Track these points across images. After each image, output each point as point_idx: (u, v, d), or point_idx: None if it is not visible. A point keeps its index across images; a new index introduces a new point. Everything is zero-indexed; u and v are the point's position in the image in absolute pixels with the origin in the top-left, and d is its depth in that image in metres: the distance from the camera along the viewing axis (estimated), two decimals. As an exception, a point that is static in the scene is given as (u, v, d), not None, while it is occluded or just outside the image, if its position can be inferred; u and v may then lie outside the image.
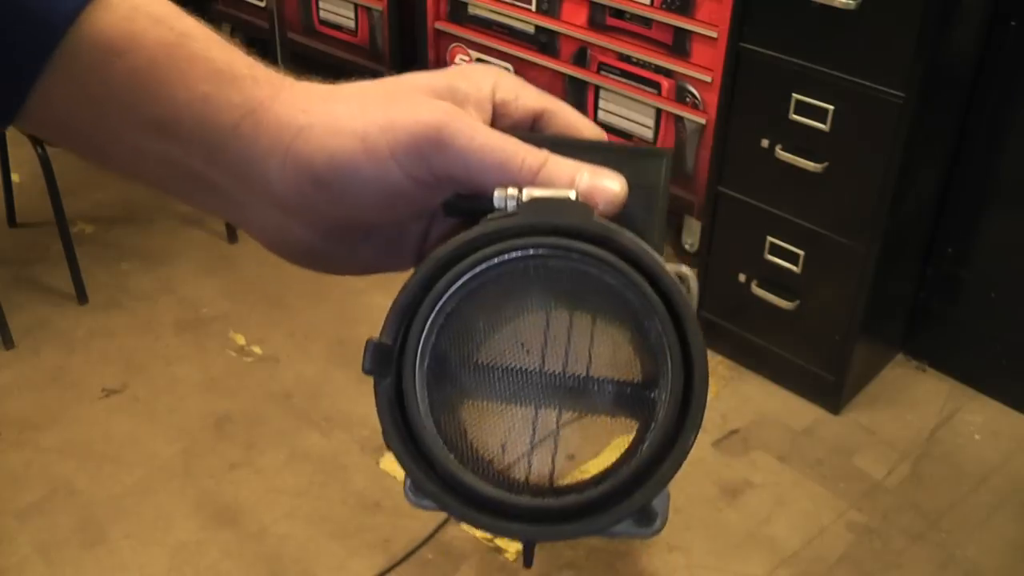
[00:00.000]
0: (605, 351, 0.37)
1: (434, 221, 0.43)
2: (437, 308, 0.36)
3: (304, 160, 0.38)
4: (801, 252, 2.05)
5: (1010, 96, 1.97)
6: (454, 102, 0.39)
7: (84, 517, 1.91)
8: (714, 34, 2.20)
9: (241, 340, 2.36)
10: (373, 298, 2.45)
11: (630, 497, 0.35)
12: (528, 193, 0.37)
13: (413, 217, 0.41)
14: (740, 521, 1.92)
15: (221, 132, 0.38)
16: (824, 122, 1.91)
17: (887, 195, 1.88)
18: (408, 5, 2.88)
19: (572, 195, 0.37)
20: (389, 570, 1.82)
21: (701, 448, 2.07)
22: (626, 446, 0.37)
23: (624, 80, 2.42)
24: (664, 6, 2.28)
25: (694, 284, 0.38)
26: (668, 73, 2.35)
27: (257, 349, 2.34)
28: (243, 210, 0.40)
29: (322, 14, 3.13)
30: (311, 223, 0.40)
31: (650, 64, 2.37)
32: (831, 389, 2.14)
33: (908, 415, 2.18)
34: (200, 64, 0.38)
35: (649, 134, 2.43)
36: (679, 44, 2.30)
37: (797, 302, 2.10)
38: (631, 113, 2.44)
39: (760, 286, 2.14)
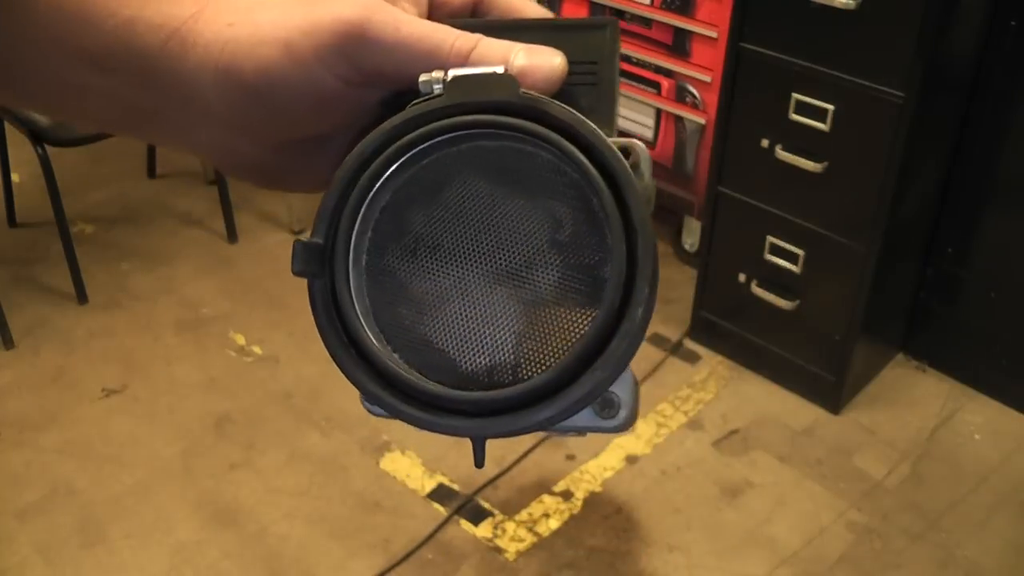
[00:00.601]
0: (547, 231, 0.35)
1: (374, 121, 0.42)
2: (367, 202, 0.35)
3: (234, 73, 0.36)
4: (801, 252, 2.05)
5: (1010, 96, 1.97)
6: None
7: (84, 517, 1.91)
8: (714, 34, 2.20)
9: (241, 340, 2.36)
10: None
11: (580, 380, 0.33)
12: (454, 73, 0.35)
13: (356, 119, 0.40)
14: (740, 521, 1.92)
15: (150, 55, 0.37)
16: (824, 122, 1.91)
17: (887, 195, 1.88)
18: (408, 5, 2.88)
19: (499, 70, 0.35)
20: (389, 570, 1.82)
21: (701, 448, 2.07)
22: (575, 332, 0.34)
23: (624, 80, 2.42)
24: (664, 6, 2.28)
25: (644, 157, 0.36)
26: (668, 73, 2.35)
27: (257, 349, 2.34)
28: (189, 133, 0.39)
29: None
30: (256, 138, 0.39)
31: (650, 64, 2.37)
32: (831, 389, 2.14)
33: (908, 415, 2.18)
34: None
35: (649, 134, 2.43)
36: (679, 44, 2.30)
37: (797, 302, 2.10)
38: (631, 113, 2.44)
39: (760, 286, 2.14)
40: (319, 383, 2.23)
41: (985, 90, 1.99)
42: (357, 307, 0.35)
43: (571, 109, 0.35)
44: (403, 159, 0.35)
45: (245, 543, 1.87)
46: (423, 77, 0.36)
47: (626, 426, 0.37)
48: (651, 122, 2.42)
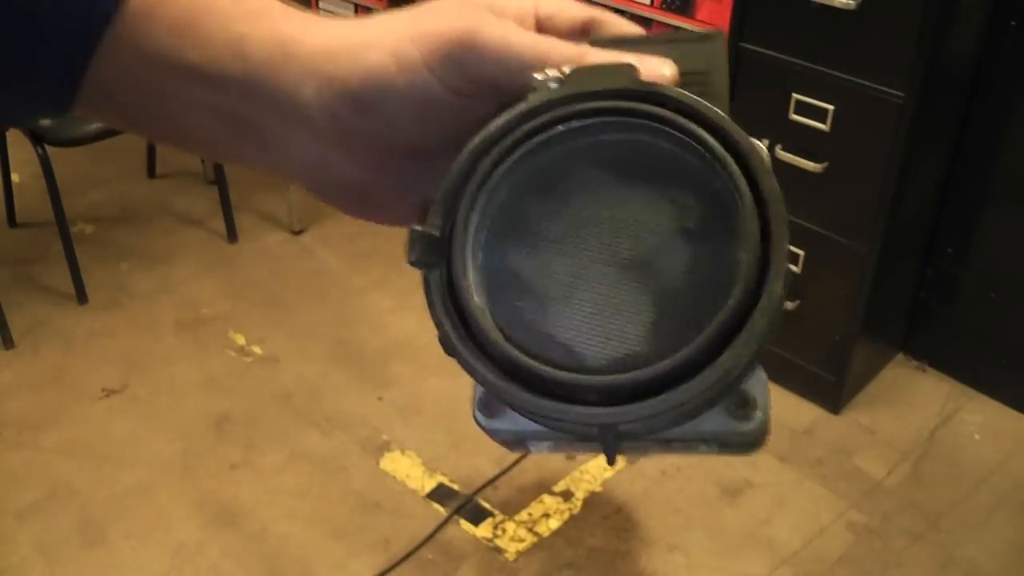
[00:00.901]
0: (673, 219, 0.34)
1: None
2: (483, 194, 0.34)
3: (339, 81, 0.37)
4: (801, 252, 2.05)
5: (1010, 96, 1.97)
6: (493, 13, 0.38)
7: (84, 517, 1.91)
8: (714, 34, 2.20)
9: (241, 340, 2.36)
10: (373, 298, 2.45)
11: (717, 361, 0.31)
12: (570, 68, 0.35)
13: (461, 133, 0.38)
14: (740, 521, 1.92)
15: (256, 66, 0.38)
16: (824, 122, 1.91)
17: (887, 195, 1.88)
18: (407, 5, 2.88)
19: (616, 61, 0.35)
20: (389, 570, 1.82)
21: (701, 448, 2.07)
22: (714, 314, 0.32)
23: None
24: (664, 6, 2.28)
25: (767, 156, 0.34)
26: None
27: (257, 349, 2.34)
28: (284, 147, 0.39)
29: (322, 14, 3.12)
30: (353, 153, 0.39)
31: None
32: (831, 389, 2.14)
33: (908, 415, 2.18)
34: (237, 7, 0.38)
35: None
36: (679, 44, 2.30)
37: (797, 302, 2.10)
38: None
39: (760, 286, 2.14)
40: (319, 383, 2.23)
41: (985, 90, 1.99)
42: (476, 299, 0.34)
43: (689, 93, 0.34)
44: (521, 150, 0.34)
45: (245, 543, 1.87)
46: (538, 75, 0.35)
47: (760, 433, 0.34)
48: (651, 122, 2.42)
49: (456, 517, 1.92)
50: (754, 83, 2.00)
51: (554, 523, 1.90)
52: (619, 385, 0.31)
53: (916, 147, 1.87)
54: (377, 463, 2.03)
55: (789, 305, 2.10)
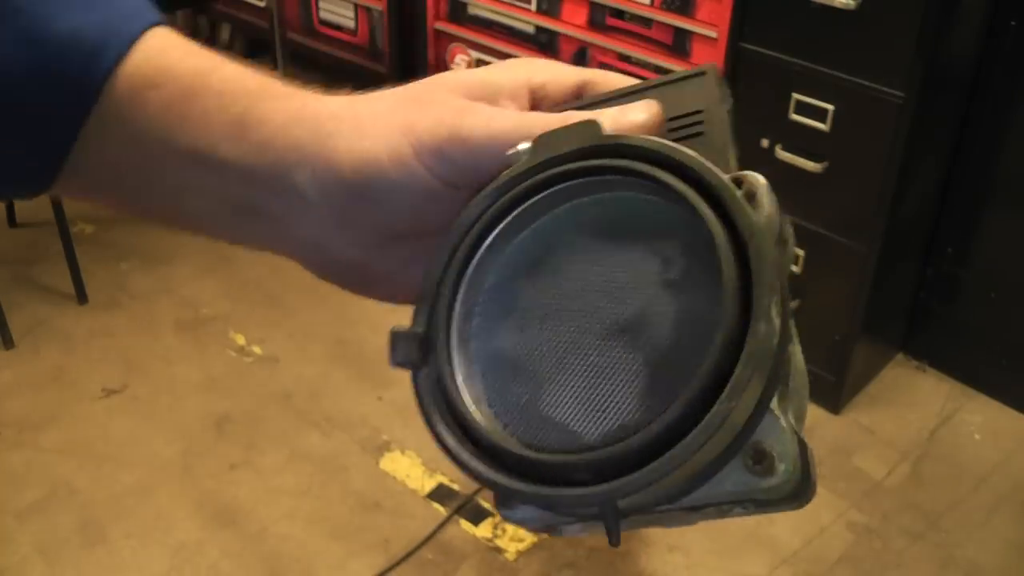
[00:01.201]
0: (657, 273, 0.33)
1: None
2: (465, 282, 0.34)
3: (333, 167, 0.37)
4: (801, 252, 2.05)
5: (1010, 96, 1.97)
6: (486, 96, 0.38)
7: (84, 517, 1.91)
8: (714, 34, 2.20)
9: (241, 340, 2.36)
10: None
11: (707, 414, 0.29)
12: (538, 134, 0.34)
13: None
14: (740, 521, 1.91)
15: (254, 149, 0.38)
16: (824, 122, 1.91)
17: (887, 195, 1.88)
18: (408, 5, 2.88)
19: (582, 119, 0.34)
20: (389, 570, 1.82)
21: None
22: (701, 373, 0.30)
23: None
24: (664, 6, 2.28)
25: (761, 186, 0.33)
26: (668, 73, 2.35)
27: (257, 349, 2.34)
28: (284, 230, 0.39)
29: (322, 14, 3.13)
30: (351, 236, 0.39)
31: (650, 64, 2.36)
32: (831, 389, 2.14)
33: (908, 415, 2.18)
34: (233, 87, 0.38)
35: (649, 134, 2.43)
36: (679, 44, 2.30)
37: (797, 302, 2.10)
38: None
39: (760, 286, 2.14)
40: (319, 383, 2.23)
41: (985, 90, 1.99)
42: (466, 394, 0.33)
43: (656, 139, 0.33)
44: (497, 231, 0.34)
45: (245, 543, 1.87)
46: (510, 151, 0.35)
47: (792, 486, 0.31)
48: (651, 122, 2.42)
49: (456, 517, 1.92)
50: (754, 83, 2.00)
51: (554, 523, 1.90)
52: (609, 458, 0.30)
53: (916, 147, 1.87)
54: (377, 463, 2.03)
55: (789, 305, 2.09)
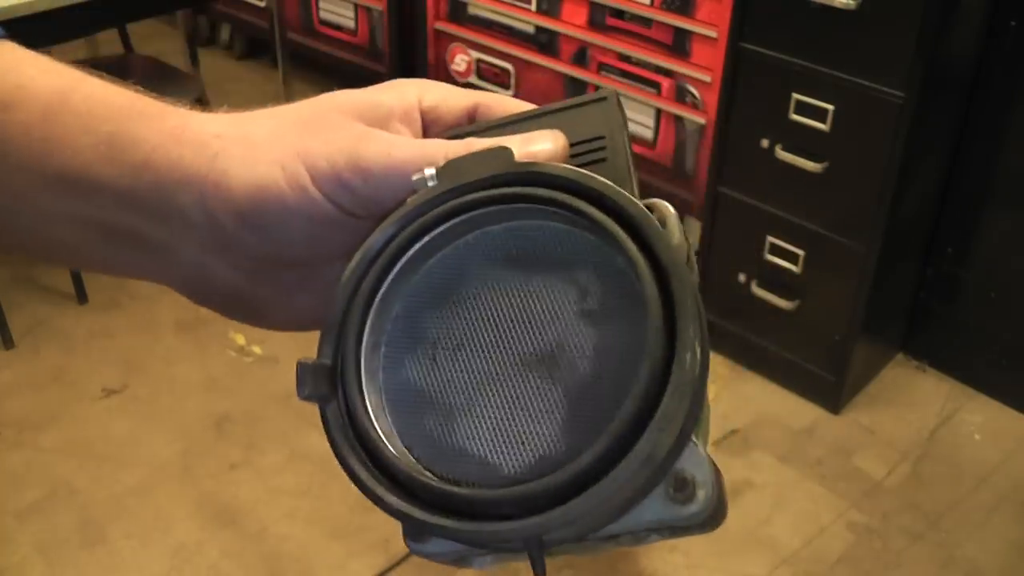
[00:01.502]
0: (574, 303, 0.32)
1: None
2: (372, 312, 0.33)
3: (222, 191, 0.35)
4: (801, 252, 2.05)
5: (1010, 96, 1.97)
6: (377, 118, 0.37)
7: (84, 517, 1.91)
8: (714, 34, 2.20)
9: (241, 340, 2.36)
10: (373, 298, 2.45)
11: (635, 446, 0.29)
12: (445, 159, 0.33)
13: (351, 249, 0.37)
14: (740, 521, 1.92)
15: (131, 171, 0.35)
16: (824, 122, 1.91)
17: (887, 195, 1.88)
18: (408, 5, 2.88)
19: (491, 145, 0.33)
20: (389, 570, 1.82)
21: (701, 448, 2.07)
22: (626, 392, 0.30)
23: (624, 80, 2.42)
24: (664, 6, 2.28)
25: (671, 215, 0.33)
26: (668, 73, 2.35)
27: (257, 349, 2.34)
28: (163, 256, 0.37)
29: (322, 14, 3.13)
30: (235, 262, 0.37)
31: (650, 64, 2.37)
32: (831, 389, 2.14)
33: (908, 415, 2.18)
34: (99, 105, 0.35)
35: (649, 134, 2.43)
36: (679, 44, 2.30)
37: (797, 302, 2.10)
38: (631, 113, 2.44)
39: (760, 286, 2.14)
40: (319, 383, 2.23)
41: (985, 90, 1.99)
42: (378, 427, 0.32)
43: (570, 167, 0.32)
44: (405, 259, 0.33)
45: (245, 543, 1.87)
46: (415, 176, 0.34)
47: (708, 512, 0.31)
48: (651, 122, 2.42)
49: (456, 517, 1.91)
50: (754, 83, 2.00)
51: (554, 523, 1.90)
52: (533, 493, 0.29)
53: (916, 147, 1.87)
54: (377, 463, 2.03)
55: (789, 305, 2.10)
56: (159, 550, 1.85)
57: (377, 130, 0.36)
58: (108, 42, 2.82)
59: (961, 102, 2.01)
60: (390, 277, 0.33)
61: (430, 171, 0.33)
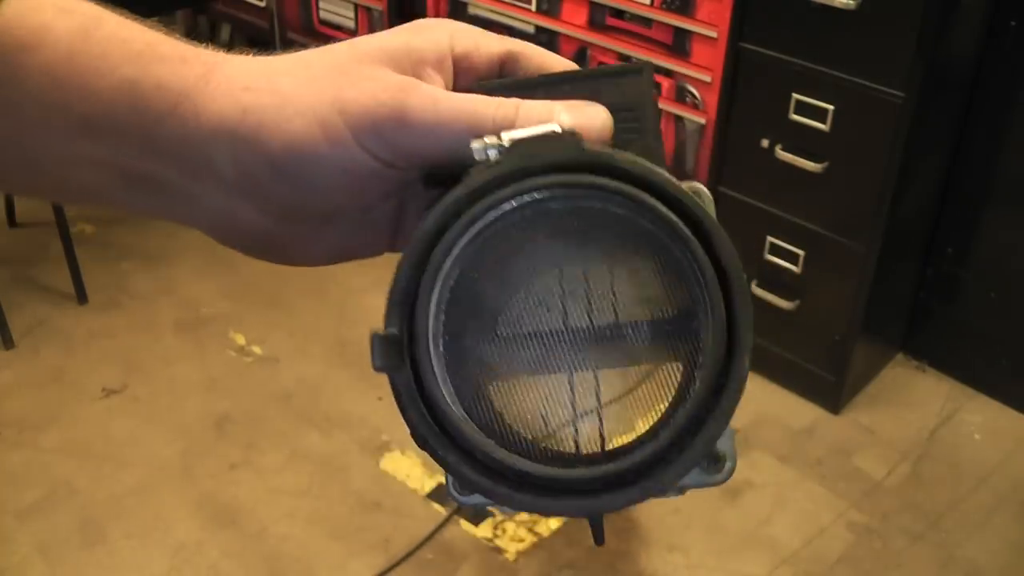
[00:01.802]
0: (631, 289, 0.33)
1: (408, 194, 0.39)
2: (439, 284, 0.33)
3: (258, 145, 0.34)
4: (801, 252, 2.05)
5: (1010, 96, 1.97)
6: (411, 64, 0.36)
7: (84, 517, 1.91)
8: (714, 34, 2.20)
9: (241, 340, 2.36)
10: (373, 298, 2.45)
11: (694, 442, 0.32)
12: (508, 137, 0.33)
13: (391, 196, 0.38)
14: (740, 521, 1.92)
15: (156, 119, 0.34)
16: (824, 122, 1.91)
17: (887, 195, 1.88)
18: (408, 5, 2.88)
19: (556, 128, 0.33)
20: (389, 570, 1.82)
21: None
22: (675, 388, 0.33)
23: (624, 80, 2.42)
24: (664, 6, 2.28)
25: (708, 200, 0.34)
26: (668, 73, 2.35)
27: (257, 349, 2.34)
28: (189, 202, 0.37)
29: (322, 14, 3.13)
30: (265, 208, 0.37)
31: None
32: (831, 389, 2.14)
33: (908, 415, 2.18)
34: (119, 46, 0.34)
35: (649, 134, 2.43)
36: (679, 44, 2.30)
37: (797, 302, 2.10)
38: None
39: (760, 286, 2.14)
40: (319, 383, 2.23)
41: (985, 90, 1.99)
42: (445, 394, 0.33)
43: (639, 158, 0.33)
44: (471, 233, 0.33)
45: (245, 543, 1.87)
46: (475, 144, 0.33)
47: (730, 476, 0.35)
48: (651, 122, 2.42)
49: (456, 517, 1.92)
50: (754, 83, 2.00)
51: (554, 523, 1.90)
52: (602, 476, 0.32)
53: (916, 147, 1.87)
54: (377, 463, 2.03)
55: (789, 305, 2.10)
56: (159, 550, 1.85)
57: (417, 81, 0.35)
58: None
59: (961, 102, 2.01)
60: (455, 251, 0.33)
61: (492, 140, 0.33)
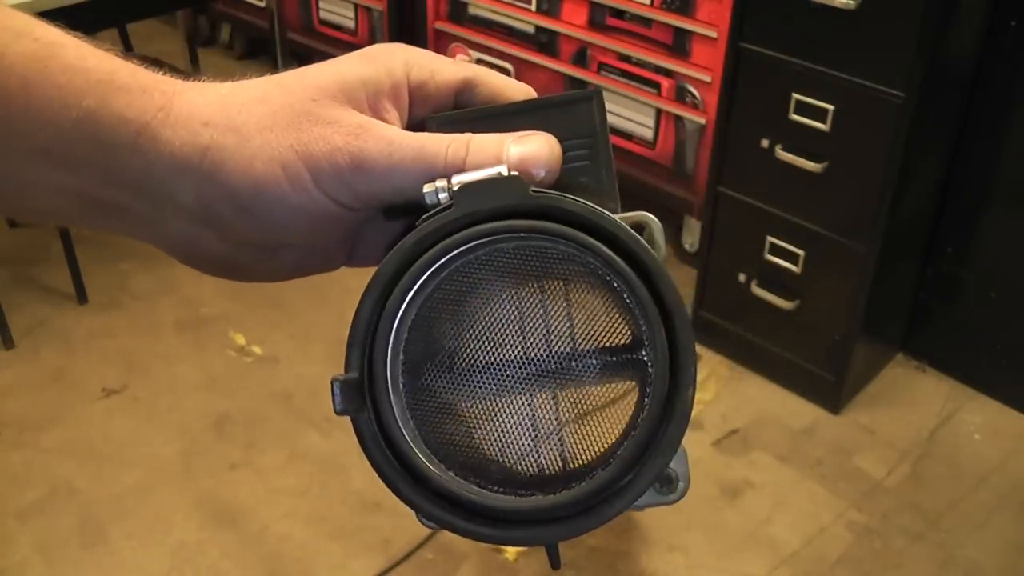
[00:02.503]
0: (581, 322, 0.35)
1: (366, 218, 0.40)
2: (395, 326, 0.34)
3: (221, 185, 0.35)
4: (801, 252, 2.05)
5: (1010, 96, 1.97)
6: (367, 97, 0.37)
7: (84, 517, 1.91)
8: (714, 34, 2.20)
9: (241, 340, 2.36)
10: (373, 298, 2.45)
11: (642, 470, 0.34)
12: (458, 180, 0.35)
13: (342, 233, 0.39)
14: (740, 521, 1.92)
15: (116, 151, 0.35)
16: (824, 122, 1.91)
17: (887, 195, 1.88)
18: (408, 5, 2.88)
19: (503, 170, 0.35)
20: (389, 570, 1.82)
21: (701, 448, 2.07)
22: (630, 415, 0.35)
23: (624, 80, 2.42)
24: (664, 6, 2.28)
25: (657, 229, 0.36)
26: (668, 73, 2.35)
27: (257, 349, 2.34)
28: (150, 225, 0.38)
29: (322, 14, 3.13)
30: (225, 237, 0.37)
31: (650, 64, 2.37)
32: (831, 389, 2.14)
33: (908, 415, 2.18)
34: (78, 76, 0.35)
35: (649, 134, 2.43)
36: (679, 44, 2.31)
37: (797, 302, 2.10)
38: (631, 113, 2.44)
39: (760, 286, 2.14)
40: (319, 383, 2.23)
41: (985, 90, 1.99)
42: (405, 433, 0.35)
43: (583, 201, 0.34)
44: (423, 278, 0.35)
45: (245, 543, 1.87)
46: (427, 188, 0.35)
47: (682, 496, 0.37)
48: (651, 122, 2.42)
49: (456, 517, 1.91)
50: (754, 83, 2.00)
51: (554, 523, 1.90)
52: (556, 506, 0.34)
53: (916, 147, 1.87)
54: (377, 463, 2.03)
55: (789, 305, 2.10)
56: (159, 550, 1.85)
57: (373, 122, 0.36)
58: (108, 42, 2.82)
59: (961, 102, 2.01)
60: (409, 295, 0.35)
61: (442, 184, 0.35)
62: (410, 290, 0.34)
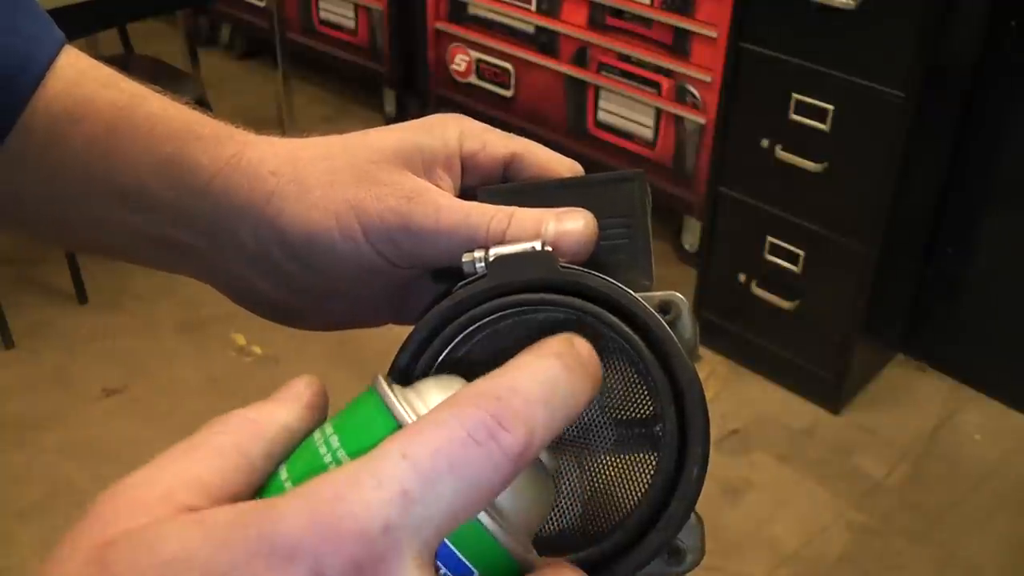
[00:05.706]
0: (608, 390, 0.37)
1: (413, 276, 0.43)
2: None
3: (278, 230, 0.38)
4: (801, 252, 2.05)
5: (1010, 96, 1.97)
6: (423, 164, 0.39)
7: (84, 517, 1.91)
8: (714, 34, 2.20)
9: (241, 340, 2.36)
10: (373, 298, 2.45)
11: (644, 542, 0.35)
12: (495, 252, 0.37)
13: (389, 289, 0.41)
14: (740, 521, 1.92)
15: (190, 194, 0.38)
16: (824, 122, 1.91)
17: (887, 195, 1.88)
18: (408, 5, 2.88)
19: (537, 245, 0.37)
20: (389, 570, 1.82)
21: (701, 448, 2.07)
22: (646, 487, 0.36)
23: (624, 80, 2.42)
24: (664, 6, 2.29)
25: (685, 309, 0.37)
26: (668, 73, 2.35)
27: (257, 349, 2.34)
28: (211, 265, 0.40)
29: (322, 14, 3.13)
30: (278, 282, 0.40)
31: (650, 64, 2.37)
32: (831, 389, 2.14)
33: (908, 415, 2.18)
34: (159, 125, 0.38)
35: (649, 134, 2.43)
36: (679, 44, 2.31)
37: (797, 302, 2.10)
38: (631, 113, 2.44)
39: (760, 286, 2.14)
40: (319, 383, 2.23)
41: (985, 90, 1.99)
42: None
43: (609, 279, 0.36)
44: (450, 347, 0.36)
45: (245, 543, 1.87)
46: (465, 257, 0.37)
47: (693, 568, 0.38)
48: (651, 122, 2.42)
49: (456, 517, 1.91)
50: (754, 83, 2.00)
51: (554, 523, 1.90)
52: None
53: (916, 147, 1.87)
54: (377, 463, 2.03)
55: (789, 305, 2.10)
56: (159, 550, 1.85)
57: (426, 186, 0.39)
58: (108, 42, 2.82)
59: (961, 102, 2.01)
60: (440, 359, 0.36)
61: (479, 254, 0.36)
62: (441, 353, 0.36)
